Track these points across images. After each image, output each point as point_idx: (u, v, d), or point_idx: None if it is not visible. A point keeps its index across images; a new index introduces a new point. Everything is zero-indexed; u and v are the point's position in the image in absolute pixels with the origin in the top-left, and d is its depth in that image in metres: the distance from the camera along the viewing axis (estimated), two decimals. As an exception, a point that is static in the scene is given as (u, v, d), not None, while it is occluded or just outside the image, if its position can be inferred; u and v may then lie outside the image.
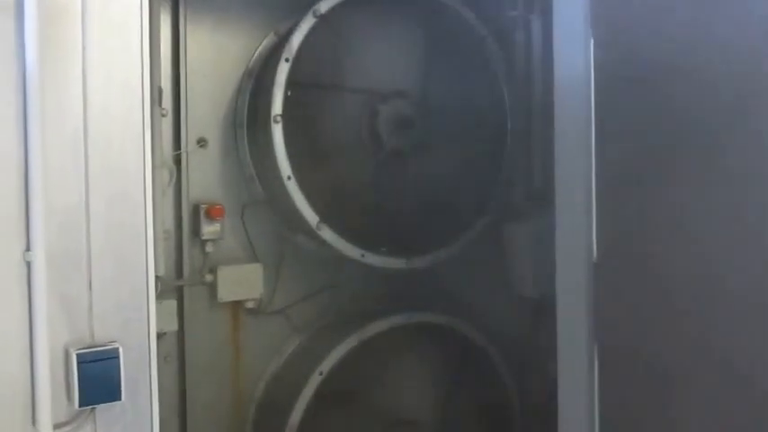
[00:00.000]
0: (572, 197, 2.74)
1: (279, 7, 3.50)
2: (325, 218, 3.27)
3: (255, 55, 3.52)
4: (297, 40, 3.19)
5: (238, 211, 3.50)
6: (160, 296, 3.21)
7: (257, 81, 3.43)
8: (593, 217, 2.67)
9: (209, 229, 3.38)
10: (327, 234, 3.28)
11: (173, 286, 3.36)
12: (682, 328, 2.34)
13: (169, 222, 3.36)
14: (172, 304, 3.26)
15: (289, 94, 3.18)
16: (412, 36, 3.51)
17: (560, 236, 2.80)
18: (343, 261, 3.48)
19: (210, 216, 3.35)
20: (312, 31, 3.21)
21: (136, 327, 2.15)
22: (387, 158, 3.43)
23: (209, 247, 3.41)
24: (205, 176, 3.44)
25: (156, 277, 3.23)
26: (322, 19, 3.22)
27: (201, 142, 3.43)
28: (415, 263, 3.52)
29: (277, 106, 3.15)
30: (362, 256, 3.38)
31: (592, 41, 2.67)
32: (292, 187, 3.19)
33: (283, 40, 3.30)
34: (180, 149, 3.38)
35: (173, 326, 3.26)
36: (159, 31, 3.20)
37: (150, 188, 2.16)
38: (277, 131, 3.16)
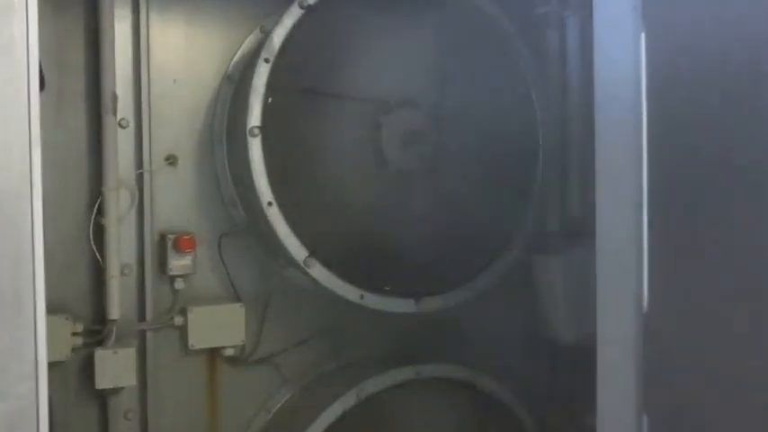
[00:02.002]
0: (617, 228, 2.22)
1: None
2: (315, 252, 2.69)
3: (237, 56, 2.97)
4: (279, 36, 2.63)
5: (215, 242, 2.94)
6: (116, 344, 2.70)
7: (239, 87, 2.88)
8: (645, 254, 2.13)
9: (177, 263, 2.83)
10: (318, 271, 2.70)
11: (133, 331, 2.80)
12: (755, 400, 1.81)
13: (129, 255, 2.81)
14: (129, 354, 2.71)
15: (270, 101, 2.62)
16: (423, 34, 2.92)
17: (602, 277, 2.27)
18: (342, 301, 2.89)
19: (179, 248, 2.80)
20: (298, 26, 2.65)
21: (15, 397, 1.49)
22: (391, 180, 2.84)
23: (178, 284, 2.86)
24: (174, 200, 2.90)
25: (110, 321, 2.73)
26: (310, 11, 2.66)
27: (170, 159, 2.88)
28: (427, 305, 2.91)
29: (254, 116, 2.59)
30: (362, 297, 2.78)
31: (643, 36, 2.13)
32: (274, 215, 2.62)
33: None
34: (148, 167, 2.84)
35: (130, 380, 2.70)
36: (112, 27, 2.67)
37: (39, 193, 1.55)
38: (254, 147, 2.59)
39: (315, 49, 2.71)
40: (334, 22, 2.72)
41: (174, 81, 2.90)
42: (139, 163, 2.84)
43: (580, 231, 3.06)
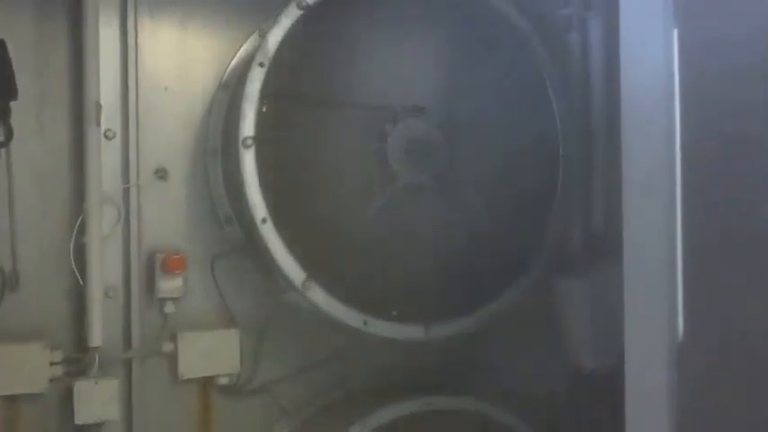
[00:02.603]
0: (648, 248, 1.99)
1: (265, 1, 2.72)
2: (314, 273, 2.45)
3: (233, 62, 2.77)
4: (275, 38, 2.42)
5: (208, 261, 2.72)
6: (98, 374, 2.48)
7: (234, 95, 2.66)
8: (679, 276, 1.92)
9: (166, 285, 2.61)
10: (317, 295, 2.47)
11: (118, 360, 2.58)
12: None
13: (114, 276, 2.60)
14: (112, 385, 2.49)
15: (264, 109, 2.41)
16: (433, 35, 2.70)
17: (630, 302, 2.04)
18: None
19: (168, 269, 2.58)
20: (296, 27, 2.44)
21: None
22: (398, 195, 2.61)
23: (168, 308, 2.64)
24: (164, 217, 2.68)
25: (92, 349, 2.51)
26: (309, 11, 2.45)
27: (160, 173, 2.67)
28: (437, 332, 2.66)
29: (247, 126, 2.38)
30: (365, 323, 2.54)
31: (676, 33, 1.89)
32: (269, 233, 2.40)
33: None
34: (135, 182, 2.63)
35: (113, 414, 2.47)
36: (97, 30, 2.48)
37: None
38: (247, 159, 2.38)
39: (314, 52, 2.49)
40: (335, 22, 2.50)
41: (166, 89, 2.70)
42: (127, 177, 2.63)
43: (604, 250, 2.82)
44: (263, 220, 2.39)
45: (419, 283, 2.64)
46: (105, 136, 2.58)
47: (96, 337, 2.46)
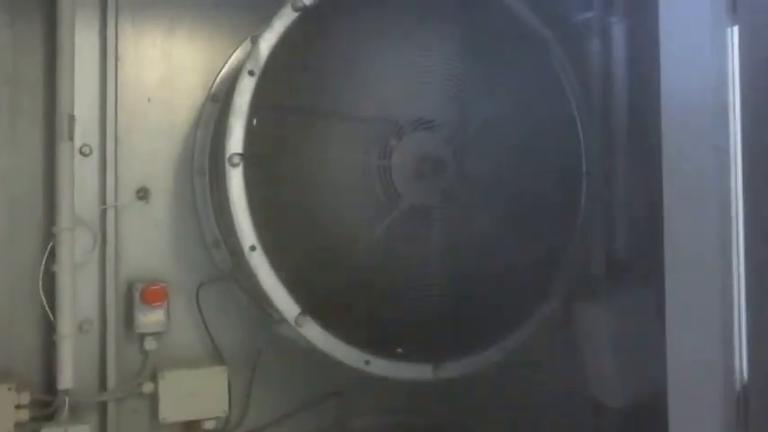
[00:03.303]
0: (696, 269, 1.70)
1: (260, 5, 2.47)
2: (309, 306, 2.19)
3: (223, 71, 2.53)
4: (267, 44, 2.17)
5: (194, 291, 2.46)
6: (69, 419, 2.22)
7: (223, 107, 2.41)
8: (739, 304, 1.63)
9: (146, 319, 2.35)
10: (313, 331, 2.20)
11: (92, 403, 2.32)
12: None
13: (89, 308, 2.34)
14: (83, 431, 2.21)
15: (255, 123, 2.15)
16: (443, 42, 2.43)
17: (674, 336, 1.76)
18: (345, 363, 2.38)
19: (147, 300, 2.32)
20: (292, 32, 2.19)
21: None
22: (404, 218, 2.34)
23: (148, 344, 2.38)
24: (146, 241, 2.44)
25: (61, 391, 2.24)
26: (306, 14, 2.19)
27: (142, 193, 2.42)
28: (446, 371, 2.39)
29: (235, 141, 2.12)
30: (367, 363, 2.27)
31: (735, 30, 1.63)
32: (258, 261, 2.14)
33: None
34: (114, 202, 2.38)
35: (83, 464, 2.21)
36: (71, 35, 2.23)
37: None
38: (235, 178, 2.12)
39: (312, 59, 2.23)
40: (334, 26, 2.24)
41: (149, 100, 2.45)
42: (104, 197, 2.38)
43: (635, 274, 2.56)
44: (252, 248, 2.13)
45: (426, 316, 2.36)
46: (81, 152, 2.34)
47: (66, 379, 2.19)
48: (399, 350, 2.34)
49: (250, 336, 2.53)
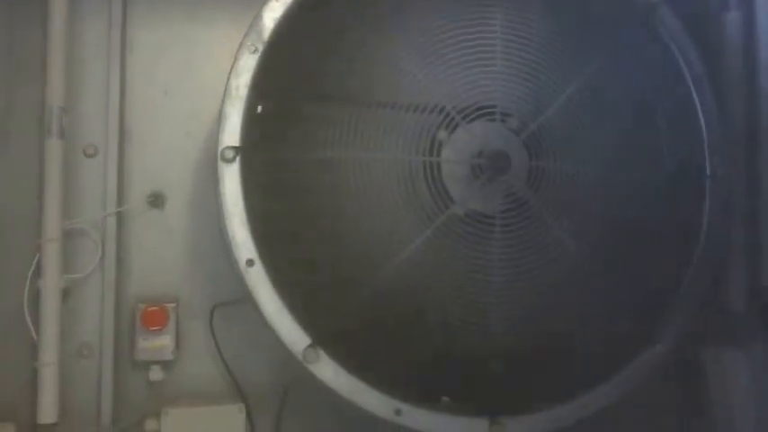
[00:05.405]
0: None
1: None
2: (322, 338, 1.74)
3: (249, 57, 2.15)
4: (273, 14, 1.76)
5: (207, 314, 2.09)
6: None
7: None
8: None
9: (147, 344, 2.01)
10: (326, 369, 1.74)
11: (85, 441, 2.01)
12: None
13: (89, 330, 2.03)
14: (69, 474, 1.90)
15: (259, 110, 1.75)
16: (509, 5, 1.91)
17: None
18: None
19: (146, 324, 1.98)
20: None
21: None
22: (453, 228, 1.83)
23: (154, 374, 2.03)
24: (158, 255, 2.10)
25: (44, 426, 1.93)
26: (320, -27, 1.78)
27: (153, 198, 2.10)
28: (509, 429, 1.83)
29: (230, 132, 1.73)
30: (398, 412, 1.77)
31: None
32: (257, 279, 1.72)
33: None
34: (116, 209, 2.07)
35: None
36: (63, 14, 1.95)
37: None
38: (229, 177, 1.72)
39: (328, 33, 1.80)
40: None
41: (166, 93, 2.13)
42: (114, 203, 2.08)
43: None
44: (250, 263, 1.71)
45: (482, 355, 1.83)
46: (85, 153, 2.06)
47: (47, 413, 1.88)
48: (445, 398, 1.82)
49: (275, 368, 2.12)
